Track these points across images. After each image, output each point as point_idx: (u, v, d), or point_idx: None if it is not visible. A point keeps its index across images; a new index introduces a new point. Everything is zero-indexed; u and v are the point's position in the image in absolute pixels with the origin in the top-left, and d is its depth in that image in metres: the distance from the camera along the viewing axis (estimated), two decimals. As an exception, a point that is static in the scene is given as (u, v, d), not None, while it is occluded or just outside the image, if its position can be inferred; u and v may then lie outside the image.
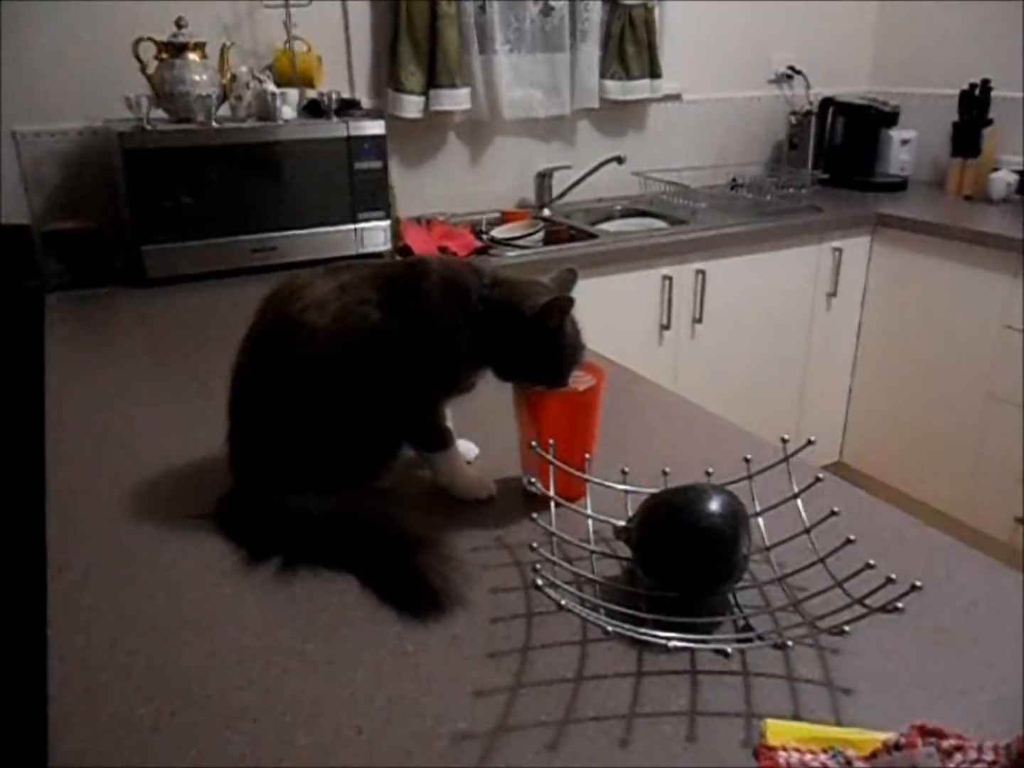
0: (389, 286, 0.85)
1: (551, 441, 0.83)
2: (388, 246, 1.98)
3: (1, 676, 1.37)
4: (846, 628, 0.63)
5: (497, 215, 2.45)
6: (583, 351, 0.88)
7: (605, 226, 2.49)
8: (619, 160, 2.51)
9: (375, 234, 1.95)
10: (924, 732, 0.51)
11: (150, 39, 1.77)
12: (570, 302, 0.83)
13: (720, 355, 2.43)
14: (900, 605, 0.60)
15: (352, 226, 1.92)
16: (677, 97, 2.76)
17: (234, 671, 0.66)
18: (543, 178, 2.55)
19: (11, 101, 1.90)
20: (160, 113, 1.80)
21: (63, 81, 1.93)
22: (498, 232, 2.29)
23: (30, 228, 1.85)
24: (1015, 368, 2.24)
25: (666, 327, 2.30)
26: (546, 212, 2.52)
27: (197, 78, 1.78)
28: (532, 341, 0.83)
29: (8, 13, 1.84)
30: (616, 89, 2.57)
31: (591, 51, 2.51)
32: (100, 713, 0.62)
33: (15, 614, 1.31)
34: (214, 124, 1.76)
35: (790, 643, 0.64)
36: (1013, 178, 2.56)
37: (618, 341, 1.88)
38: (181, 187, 1.74)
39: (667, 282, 2.24)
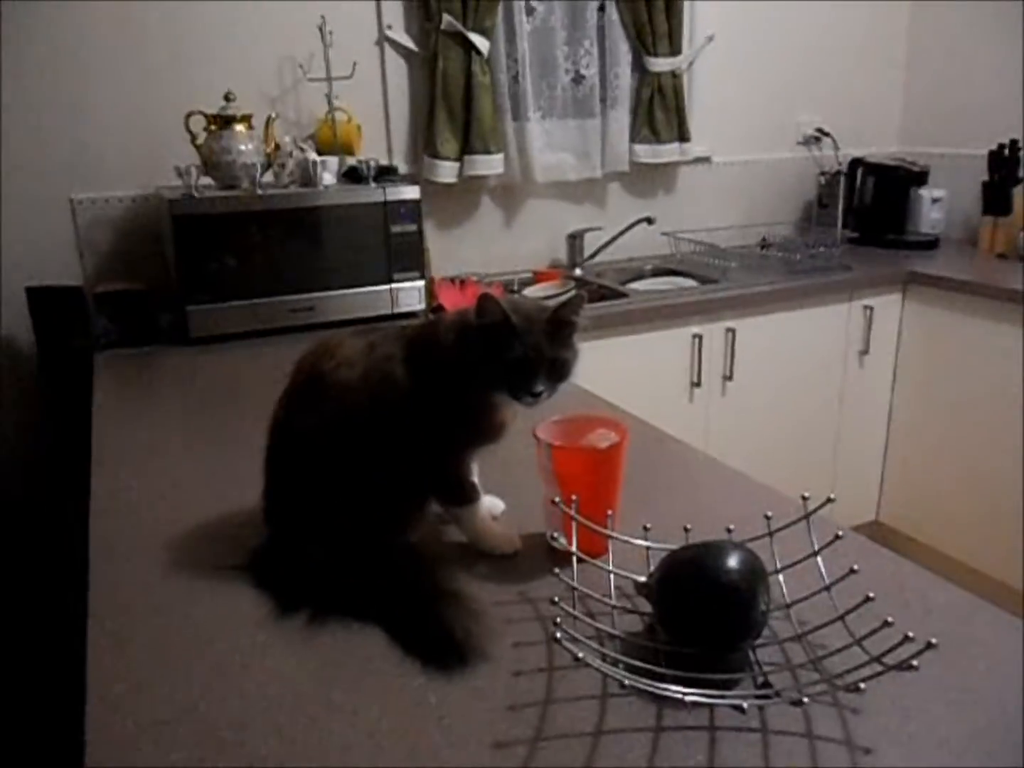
0: (412, 342, 0.89)
1: (574, 497, 0.85)
2: (422, 305, 2.04)
3: (38, 719, 1.40)
4: (862, 685, 0.63)
5: (529, 275, 2.51)
6: (549, 364, 0.86)
7: (635, 285, 2.53)
8: (649, 221, 2.56)
9: (410, 294, 2.01)
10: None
11: (200, 112, 1.88)
12: (492, 299, 0.83)
13: (751, 413, 2.43)
14: (915, 663, 0.60)
15: (388, 286, 1.98)
16: (706, 160, 2.82)
17: (262, 719, 0.68)
18: (574, 239, 2.61)
19: (70, 169, 2.02)
20: (208, 180, 1.90)
21: (119, 151, 2.05)
22: (530, 292, 2.34)
23: (82, 289, 1.93)
24: (1054, 427, 2.21)
25: (697, 384, 2.31)
26: (578, 272, 2.57)
27: (243, 148, 1.88)
28: (489, 344, 0.85)
29: (71, 88, 1.97)
30: (646, 153, 2.64)
31: (621, 117, 2.59)
32: (135, 758, 0.65)
33: (56, 660, 1.34)
34: (258, 191, 1.84)
35: (806, 699, 0.64)
36: (1046, 236, 2.56)
37: (649, 398, 1.90)
38: (226, 250, 1.82)
39: (697, 340, 2.27)
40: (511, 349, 0.84)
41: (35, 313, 1.89)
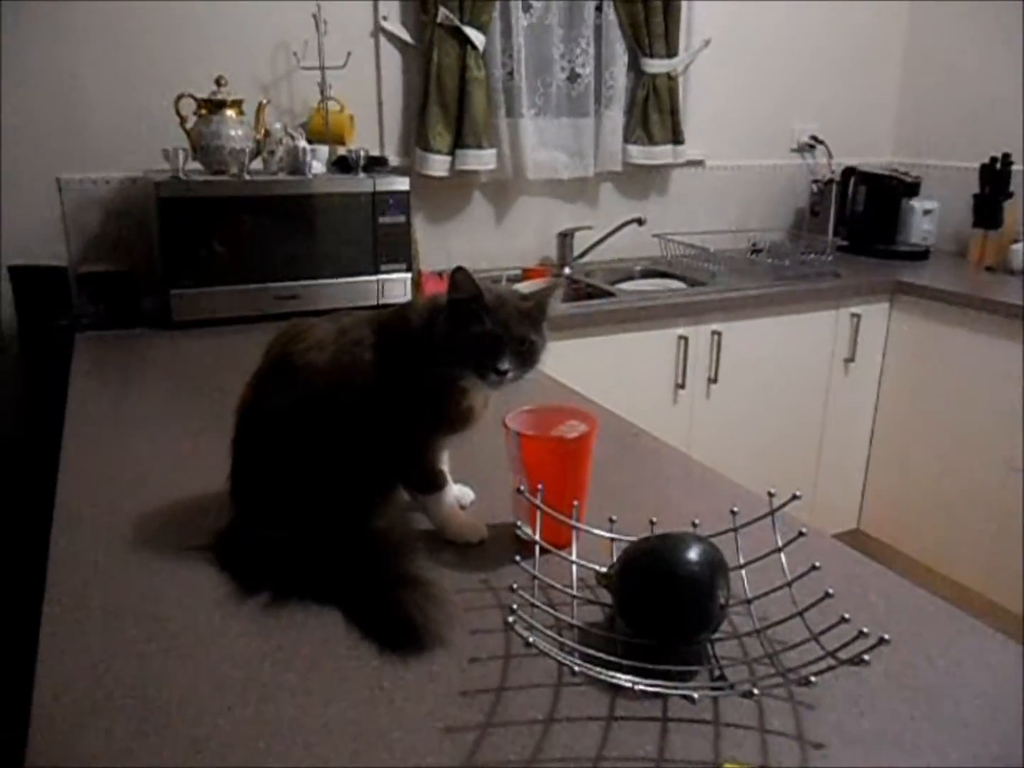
0: (383, 327, 0.89)
1: (540, 486, 0.84)
2: (408, 297, 2.03)
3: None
4: (813, 679, 0.63)
5: (518, 272, 2.51)
6: (517, 343, 0.85)
7: (624, 285, 2.53)
8: (639, 222, 2.56)
9: (396, 286, 2.00)
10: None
11: (191, 96, 1.87)
12: (466, 273, 0.84)
13: (735, 416, 2.43)
14: (867, 658, 0.60)
15: (375, 277, 1.98)
16: (700, 163, 2.82)
17: (213, 698, 0.68)
18: (565, 237, 2.61)
19: (59, 149, 2.00)
20: (196, 165, 1.89)
21: (109, 132, 2.04)
22: (517, 288, 2.33)
23: (66, 269, 1.92)
24: (1035, 439, 2.22)
25: (681, 386, 2.31)
26: (567, 270, 2.57)
27: (233, 133, 1.87)
28: (457, 318, 0.84)
29: (63, 67, 1.96)
30: (639, 154, 2.64)
31: (615, 117, 2.59)
32: (78, 730, 0.64)
33: (12, 633, 1.33)
34: (246, 176, 1.83)
35: (756, 691, 0.64)
36: (1034, 250, 2.57)
37: (633, 398, 1.89)
38: (211, 235, 1.81)
39: (683, 342, 2.27)
40: (479, 323, 0.83)
41: (17, 292, 1.88)
